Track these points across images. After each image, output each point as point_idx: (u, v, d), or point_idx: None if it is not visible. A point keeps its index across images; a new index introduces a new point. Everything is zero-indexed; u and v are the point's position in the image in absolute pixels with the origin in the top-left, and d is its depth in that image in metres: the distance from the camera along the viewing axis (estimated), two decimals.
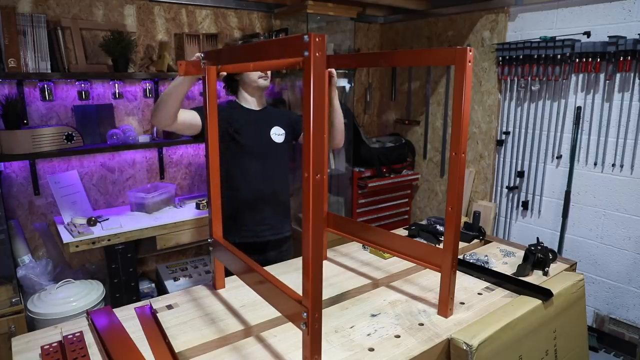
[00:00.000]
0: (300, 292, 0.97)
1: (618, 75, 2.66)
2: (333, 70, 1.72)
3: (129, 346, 1.16)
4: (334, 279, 1.59)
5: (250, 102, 2.02)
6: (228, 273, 1.44)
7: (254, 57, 1.13)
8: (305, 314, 0.95)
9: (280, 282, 1.09)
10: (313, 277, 0.92)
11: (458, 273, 1.36)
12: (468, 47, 1.14)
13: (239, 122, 1.96)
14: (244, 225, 2.00)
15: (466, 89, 1.16)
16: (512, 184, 3.30)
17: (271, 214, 2.04)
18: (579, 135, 2.88)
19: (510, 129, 3.25)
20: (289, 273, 1.61)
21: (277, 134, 2.04)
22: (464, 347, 1.16)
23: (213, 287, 1.50)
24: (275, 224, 2.06)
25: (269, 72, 1.97)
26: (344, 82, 3.69)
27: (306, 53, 0.83)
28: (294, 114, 2.20)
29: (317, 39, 0.83)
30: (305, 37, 0.83)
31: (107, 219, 2.64)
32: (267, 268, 1.67)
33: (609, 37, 2.59)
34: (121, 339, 1.19)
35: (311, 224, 0.90)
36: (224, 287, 1.50)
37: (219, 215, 1.44)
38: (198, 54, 1.45)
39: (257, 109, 2.04)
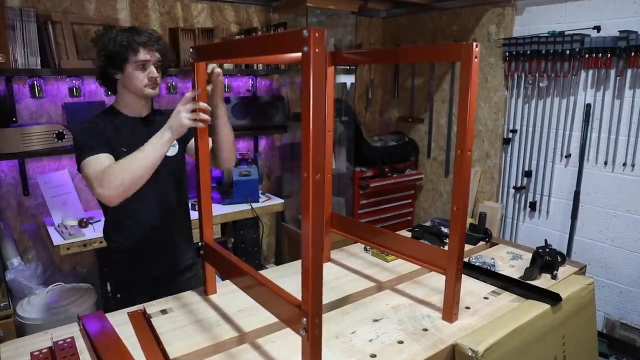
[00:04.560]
0: (299, 296, 0.97)
1: (629, 71, 2.66)
2: (218, 69, 1.45)
3: (122, 353, 1.15)
4: (335, 282, 1.59)
5: (132, 108, 1.64)
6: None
7: (250, 53, 1.13)
8: (305, 319, 0.95)
9: (277, 286, 1.09)
10: (313, 281, 0.92)
11: (463, 276, 1.36)
12: (474, 43, 1.14)
13: (118, 138, 1.57)
14: (141, 262, 1.69)
15: (472, 86, 1.16)
16: (519, 184, 3.29)
17: (171, 242, 1.74)
18: (588, 134, 2.88)
19: (518, 127, 3.25)
20: (288, 276, 1.61)
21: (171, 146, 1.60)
22: (470, 354, 1.16)
23: (204, 292, 1.50)
24: (175, 252, 1.76)
25: (158, 79, 1.60)
26: (345, 79, 3.69)
27: (305, 49, 0.83)
28: None
29: (316, 34, 0.82)
30: (304, 31, 0.82)
31: (99, 221, 2.64)
32: (265, 272, 1.67)
33: (620, 31, 2.59)
34: (114, 345, 1.19)
35: (311, 225, 0.90)
36: (216, 292, 1.50)
37: (210, 218, 1.44)
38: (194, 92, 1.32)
39: (142, 116, 1.67)
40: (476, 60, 1.14)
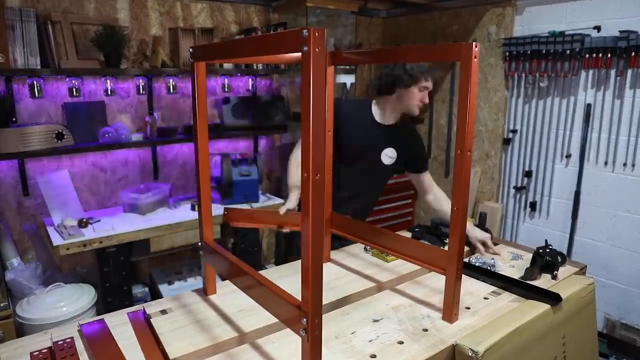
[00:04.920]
0: (299, 296, 0.97)
1: (629, 71, 2.65)
2: None
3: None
4: (335, 282, 1.59)
5: (385, 115, 1.98)
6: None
7: (249, 53, 1.13)
8: (304, 319, 0.95)
9: (276, 286, 1.09)
10: (313, 281, 0.92)
11: (463, 277, 1.36)
12: (474, 43, 1.14)
13: (357, 133, 1.95)
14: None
15: (472, 86, 1.15)
16: (519, 184, 3.29)
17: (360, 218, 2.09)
18: (588, 134, 2.88)
19: (518, 127, 3.25)
20: (288, 276, 1.61)
21: (389, 156, 2.00)
22: (470, 354, 1.16)
23: (204, 293, 1.50)
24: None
25: (426, 99, 1.93)
26: (345, 78, 3.69)
27: (305, 48, 0.83)
28: (419, 147, 2.13)
29: (316, 34, 0.82)
30: (304, 31, 0.82)
31: (99, 221, 2.64)
32: (265, 272, 1.67)
33: (620, 31, 2.59)
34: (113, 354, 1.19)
35: (311, 226, 0.90)
36: (215, 292, 1.50)
37: (210, 218, 1.44)
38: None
39: (384, 123, 1.99)
40: (476, 60, 1.14)
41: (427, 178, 2.11)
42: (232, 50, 1.22)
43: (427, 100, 1.93)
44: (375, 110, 1.99)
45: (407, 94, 1.90)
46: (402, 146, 2.03)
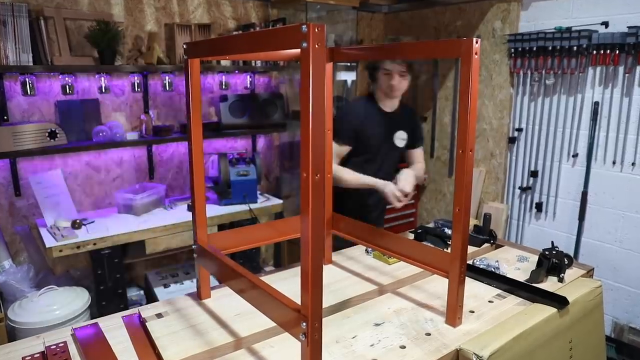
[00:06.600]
0: (299, 299, 0.97)
1: (638, 68, 2.65)
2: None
3: None
4: (335, 285, 1.59)
5: (383, 102, 2.22)
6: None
7: (246, 49, 1.13)
8: (304, 323, 0.95)
9: (274, 289, 1.09)
10: (312, 284, 0.92)
11: (467, 279, 1.36)
12: (474, 39, 1.13)
13: (368, 124, 2.19)
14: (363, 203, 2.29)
15: (473, 83, 1.15)
16: (525, 185, 3.29)
17: (375, 212, 2.39)
18: (596, 132, 2.88)
19: (523, 126, 3.25)
20: (287, 279, 1.61)
21: (401, 139, 2.28)
22: (474, 359, 1.16)
23: (198, 297, 1.50)
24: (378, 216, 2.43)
25: (397, 87, 2.11)
26: (346, 75, 3.69)
27: (304, 44, 0.83)
28: (420, 126, 2.52)
29: (316, 29, 0.82)
30: (303, 27, 0.82)
31: (93, 222, 2.64)
32: (264, 275, 1.67)
33: (629, 27, 2.59)
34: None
35: (310, 227, 0.89)
36: (210, 296, 1.50)
37: (204, 219, 1.44)
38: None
39: (389, 111, 2.24)
40: (476, 56, 1.13)
41: (418, 151, 2.40)
42: (228, 46, 1.21)
43: (396, 83, 2.11)
44: (377, 99, 2.22)
45: (379, 80, 2.16)
46: (409, 127, 2.30)
